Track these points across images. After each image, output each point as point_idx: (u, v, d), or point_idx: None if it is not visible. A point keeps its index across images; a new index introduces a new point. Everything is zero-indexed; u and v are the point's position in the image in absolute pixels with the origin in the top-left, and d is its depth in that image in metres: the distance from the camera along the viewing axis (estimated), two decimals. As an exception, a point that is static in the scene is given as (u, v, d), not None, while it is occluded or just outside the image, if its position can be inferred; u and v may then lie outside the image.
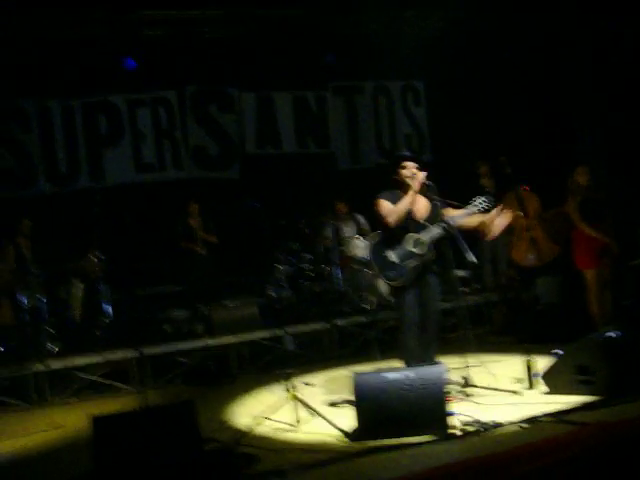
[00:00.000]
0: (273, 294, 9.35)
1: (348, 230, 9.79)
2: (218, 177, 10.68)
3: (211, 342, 8.24)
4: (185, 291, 9.64)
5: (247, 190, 10.28)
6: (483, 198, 5.88)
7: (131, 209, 9.89)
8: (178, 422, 4.23)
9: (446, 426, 4.76)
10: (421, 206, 5.93)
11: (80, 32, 9.37)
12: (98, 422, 4.27)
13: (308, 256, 9.66)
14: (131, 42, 9.84)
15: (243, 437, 5.19)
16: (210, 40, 10.14)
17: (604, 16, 9.57)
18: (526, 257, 9.18)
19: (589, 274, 7.42)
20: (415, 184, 5.81)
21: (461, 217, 5.83)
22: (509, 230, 9.42)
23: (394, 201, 5.89)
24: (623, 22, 9.44)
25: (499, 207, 5.85)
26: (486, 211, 5.96)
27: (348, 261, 9.30)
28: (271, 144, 10.99)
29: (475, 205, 5.86)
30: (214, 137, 10.72)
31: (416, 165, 5.93)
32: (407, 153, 6.23)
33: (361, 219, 9.84)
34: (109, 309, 8.93)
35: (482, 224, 5.90)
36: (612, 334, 5.52)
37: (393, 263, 5.79)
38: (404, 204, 5.83)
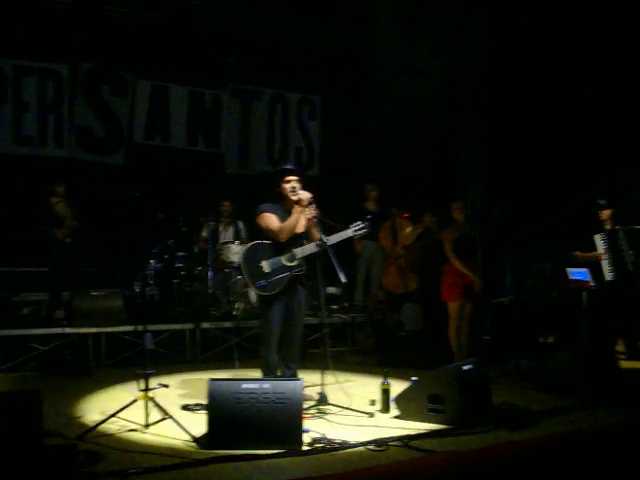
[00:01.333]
0: (137, 289, 9.11)
1: (227, 234, 9.73)
2: (100, 161, 10.33)
3: (69, 330, 7.94)
4: (47, 274, 9.23)
5: (129, 178, 10.01)
6: (362, 224, 5.98)
7: (2, 181, 9.42)
8: (19, 412, 4.01)
9: (298, 442, 4.77)
10: (300, 222, 5.97)
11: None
12: None
13: (182, 254, 9.50)
14: (26, 7, 9.38)
15: (89, 434, 5.01)
16: (112, 19, 9.83)
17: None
18: (393, 283, 9.44)
19: (452, 306, 7.68)
20: (302, 202, 5.84)
21: (336, 237, 5.91)
22: (384, 256, 9.73)
23: (277, 214, 5.95)
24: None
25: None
26: (363, 237, 6.08)
27: (222, 265, 9.22)
28: (160, 136, 10.76)
29: (353, 229, 5.96)
30: (102, 119, 10.38)
31: (299, 179, 5.98)
32: (290, 166, 6.25)
33: (241, 225, 9.81)
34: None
35: None
36: (465, 367, 5.72)
37: (264, 273, 5.84)
38: (293, 222, 5.88)
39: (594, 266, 8.00)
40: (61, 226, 8.82)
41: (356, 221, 6.04)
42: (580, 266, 8.13)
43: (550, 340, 8.67)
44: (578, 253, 8.09)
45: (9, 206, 9.36)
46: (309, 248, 5.88)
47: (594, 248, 8.00)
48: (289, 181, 5.96)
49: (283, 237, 5.88)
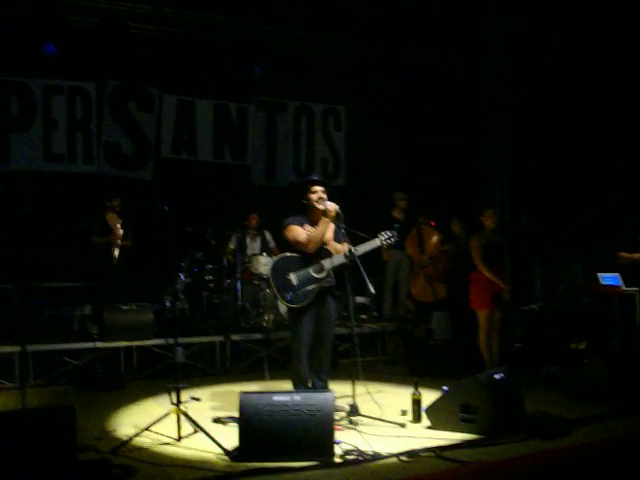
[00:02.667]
0: (168, 303, 9.19)
1: (254, 245, 9.78)
2: (129, 176, 10.44)
3: (101, 344, 8.03)
4: (81, 288, 9.36)
5: (157, 192, 10.10)
6: (390, 233, 5.97)
7: (35, 198, 9.57)
8: (54, 428, 4.07)
9: (330, 454, 4.78)
10: (328, 232, 5.99)
11: (0, 10, 9.03)
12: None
13: (211, 267, 9.56)
14: (54, 27, 9.54)
15: (122, 447, 5.06)
16: (137, 36, 9.94)
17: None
18: (421, 292, 9.42)
19: (482, 315, 7.62)
20: (329, 213, 5.85)
21: (364, 248, 5.91)
22: (411, 264, 9.72)
23: (303, 226, 5.96)
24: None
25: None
26: (390, 246, 6.08)
27: (251, 277, 9.26)
28: (187, 150, 10.82)
29: (381, 238, 5.95)
30: (130, 135, 10.47)
31: (324, 190, 5.99)
32: (316, 177, 6.27)
33: (268, 236, 9.85)
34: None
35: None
36: (497, 376, 5.68)
37: (292, 286, 5.86)
38: (321, 232, 5.89)
39: (634, 268, 7.89)
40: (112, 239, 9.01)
41: (384, 230, 6.04)
42: (615, 269, 8.02)
43: (582, 347, 8.58)
44: (623, 254, 7.98)
45: (39, 223, 9.52)
46: (337, 259, 5.89)
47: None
48: (315, 192, 5.98)
49: (311, 248, 5.90)
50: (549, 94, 9.76)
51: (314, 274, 5.88)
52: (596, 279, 8.05)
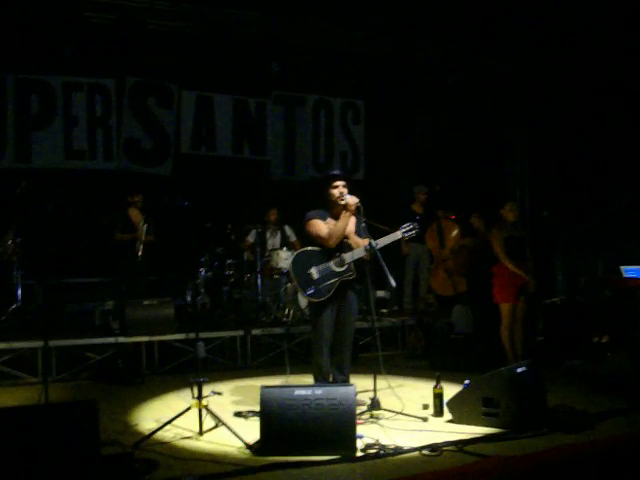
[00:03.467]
0: (189, 298, 9.22)
1: (274, 240, 9.79)
2: (149, 172, 10.47)
3: (122, 339, 8.08)
4: (103, 284, 9.42)
5: (178, 187, 10.12)
6: (411, 225, 5.94)
7: (57, 195, 9.62)
8: (77, 422, 4.09)
9: (351, 448, 4.77)
10: (349, 226, 5.97)
11: (20, 9, 9.08)
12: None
13: (231, 262, 9.58)
14: (73, 25, 9.59)
15: (145, 441, 5.09)
16: (156, 32, 9.97)
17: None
18: (441, 286, 9.38)
19: (505, 308, 7.57)
20: (350, 207, 5.83)
21: (385, 240, 5.89)
22: (431, 258, 9.68)
23: (324, 220, 5.96)
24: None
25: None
26: (411, 238, 6.06)
27: (271, 271, 9.27)
28: (206, 145, 10.85)
29: (402, 230, 5.93)
30: (149, 131, 10.52)
31: (345, 184, 5.97)
32: (337, 172, 6.24)
33: (288, 230, 9.85)
34: (19, 295, 8.67)
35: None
36: (519, 369, 5.65)
37: (313, 280, 5.84)
38: (342, 226, 5.88)
39: None
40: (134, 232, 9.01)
41: (404, 223, 6.01)
42: (637, 262, 7.94)
43: (604, 340, 8.50)
44: None
45: (62, 220, 9.57)
46: (358, 252, 5.87)
47: None
48: (336, 186, 5.96)
49: (333, 243, 5.88)
50: (570, 85, 9.66)
51: (335, 268, 5.87)
52: (618, 272, 7.97)
